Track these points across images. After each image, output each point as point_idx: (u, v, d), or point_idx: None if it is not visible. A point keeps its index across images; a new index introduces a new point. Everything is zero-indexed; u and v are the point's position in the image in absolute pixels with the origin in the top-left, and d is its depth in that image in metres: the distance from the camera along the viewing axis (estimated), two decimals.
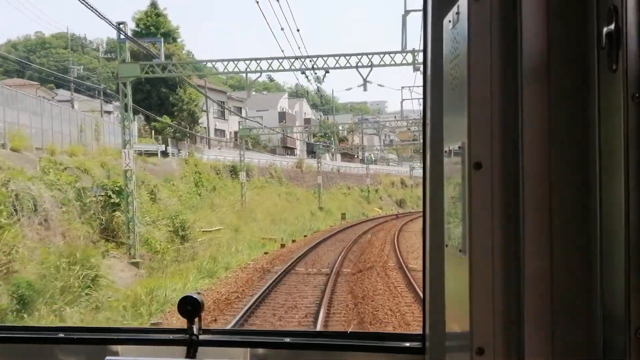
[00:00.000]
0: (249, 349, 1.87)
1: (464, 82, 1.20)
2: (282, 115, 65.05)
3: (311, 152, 63.21)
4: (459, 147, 1.24)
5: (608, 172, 1.07)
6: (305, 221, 40.10)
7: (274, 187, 49.37)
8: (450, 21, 1.32)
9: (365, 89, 30.90)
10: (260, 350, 1.88)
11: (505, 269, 1.18)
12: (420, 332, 1.76)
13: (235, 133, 63.21)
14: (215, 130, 57.70)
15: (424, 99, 1.65)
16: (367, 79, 22.40)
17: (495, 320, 1.18)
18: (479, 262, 1.18)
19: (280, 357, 1.91)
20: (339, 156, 77.42)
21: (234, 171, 48.12)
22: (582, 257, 1.14)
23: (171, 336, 1.91)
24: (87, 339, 2.00)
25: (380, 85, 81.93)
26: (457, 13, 1.25)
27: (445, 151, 1.39)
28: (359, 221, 45.76)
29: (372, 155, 79.15)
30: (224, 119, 60.02)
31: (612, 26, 1.03)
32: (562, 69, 1.15)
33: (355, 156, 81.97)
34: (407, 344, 1.82)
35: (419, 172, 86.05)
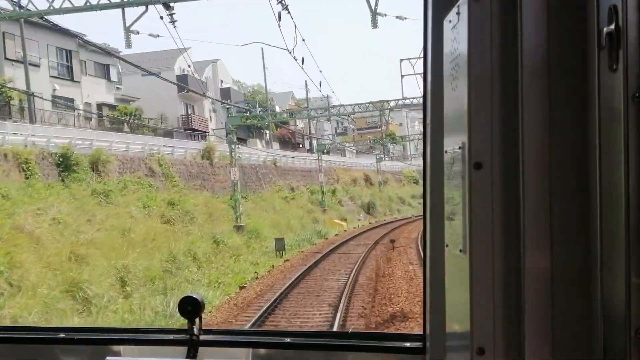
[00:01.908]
0: (250, 349, 1.90)
1: (464, 82, 1.20)
2: (184, 80, 40.91)
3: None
4: (459, 147, 1.23)
5: (608, 172, 1.07)
6: (185, 274, 16.44)
7: (144, 192, 25.48)
8: (450, 21, 1.31)
9: None
10: (262, 351, 1.94)
11: (505, 269, 1.18)
12: (421, 332, 1.76)
13: (99, 105, 38.38)
14: (55, 97, 32.97)
15: (424, 99, 1.64)
16: None
17: (495, 320, 1.18)
18: (479, 262, 1.19)
19: (281, 357, 1.96)
20: (276, 145, 54.07)
21: (64, 164, 24.17)
22: (582, 257, 1.14)
23: (172, 336, 1.96)
24: (88, 339, 2.09)
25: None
26: (457, 13, 1.25)
27: (445, 151, 1.38)
28: (312, 255, 22.46)
29: (322, 140, 55.98)
30: (73, 80, 35.35)
31: (612, 26, 1.02)
32: (562, 69, 1.15)
33: (300, 145, 58.97)
34: (408, 344, 1.84)
35: (388, 164, 64.05)
